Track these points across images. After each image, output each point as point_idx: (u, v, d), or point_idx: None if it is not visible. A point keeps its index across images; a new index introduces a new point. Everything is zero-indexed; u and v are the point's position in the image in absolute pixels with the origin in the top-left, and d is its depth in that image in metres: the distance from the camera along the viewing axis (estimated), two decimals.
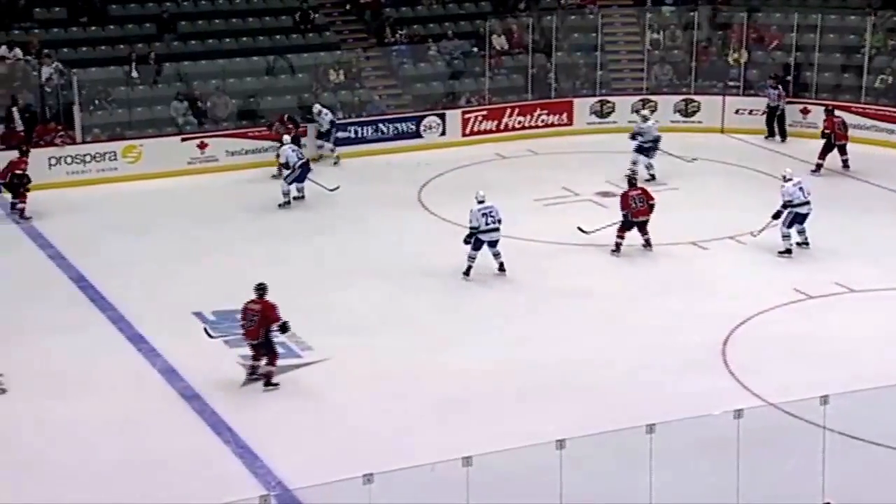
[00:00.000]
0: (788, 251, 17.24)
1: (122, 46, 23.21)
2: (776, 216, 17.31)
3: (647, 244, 17.47)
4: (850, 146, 21.73)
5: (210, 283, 16.57)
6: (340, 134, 23.00)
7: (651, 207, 17.38)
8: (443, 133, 23.73)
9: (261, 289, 13.45)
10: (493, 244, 16.62)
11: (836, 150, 21.37)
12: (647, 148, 20.98)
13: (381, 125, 23.46)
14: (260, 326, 13.30)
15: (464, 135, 23.92)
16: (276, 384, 13.45)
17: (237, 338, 14.85)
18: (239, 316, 13.65)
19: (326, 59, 24.13)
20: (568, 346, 14.50)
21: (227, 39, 24.14)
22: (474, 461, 9.33)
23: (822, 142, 21.53)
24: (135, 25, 23.86)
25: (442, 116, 23.80)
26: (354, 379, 13.68)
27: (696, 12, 25.18)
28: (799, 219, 17.27)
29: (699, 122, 24.32)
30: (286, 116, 22.08)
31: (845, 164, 21.33)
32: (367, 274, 16.88)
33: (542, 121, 24.28)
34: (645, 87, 25.05)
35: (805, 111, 23.68)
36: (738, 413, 9.90)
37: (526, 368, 13.90)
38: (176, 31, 23.93)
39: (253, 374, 13.60)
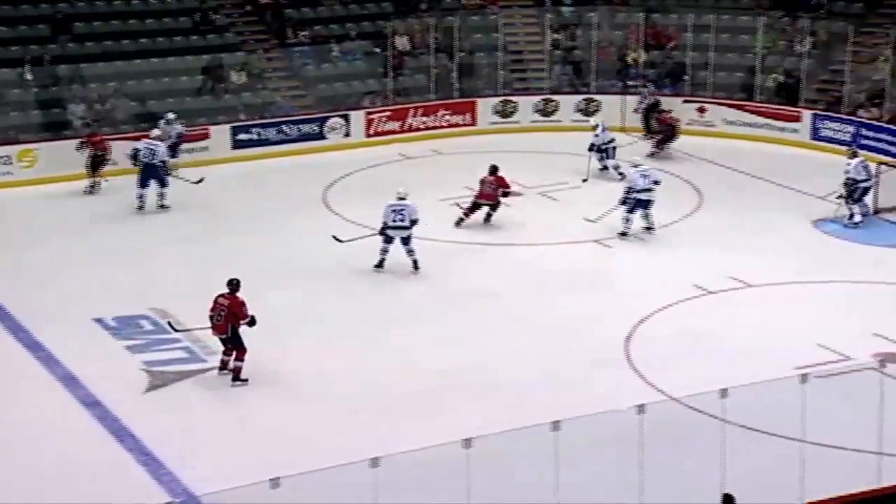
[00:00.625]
0: (625, 234, 18.09)
1: (14, 48, 22.62)
2: (622, 202, 18.10)
3: (463, 218, 18.59)
4: (742, 144, 22.73)
5: (111, 288, 16.26)
6: (243, 136, 22.75)
7: (500, 195, 18.64)
8: (347, 134, 23.64)
9: (233, 284, 13.32)
10: (405, 241, 16.64)
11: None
12: (605, 150, 21.17)
13: (284, 127, 23.27)
14: (227, 321, 13.19)
15: (368, 135, 23.86)
16: (245, 380, 13.34)
17: (141, 343, 14.61)
18: (209, 308, 13.44)
19: (228, 60, 23.85)
20: (477, 346, 14.56)
21: (125, 41, 23.69)
22: (383, 462, 9.29)
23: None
24: (27, 27, 23.26)
25: (346, 117, 23.71)
26: (264, 381, 13.52)
27: (595, 13, 25.50)
28: (642, 204, 18.03)
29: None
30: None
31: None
32: (275, 276, 16.73)
33: (446, 121, 24.35)
34: (547, 87, 25.28)
35: (702, 110, 24.15)
36: (642, 408, 10.03)
37: (437, 368, 13.91)
38: (71, 33, 23.39)
39: (224, 368, 13.47)
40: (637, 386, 13.37)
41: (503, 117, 24.81)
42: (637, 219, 18.21)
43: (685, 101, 24.21)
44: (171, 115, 21.33)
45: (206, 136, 22.28)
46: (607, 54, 25.45)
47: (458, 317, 15.49)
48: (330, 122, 23.62)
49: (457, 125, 24.41)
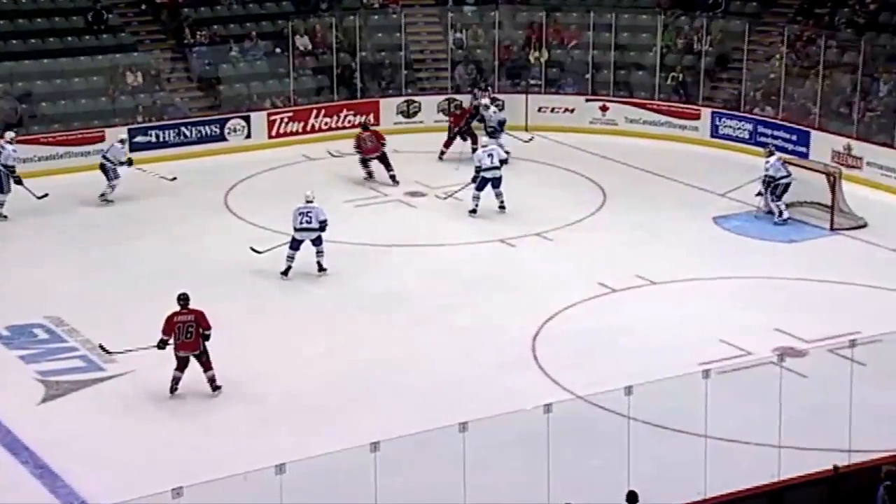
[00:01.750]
0: (474, 211, 19.10)
1: None
2: (473, 181, 19.16)
3: (393, 179, 20.43)
4: (644, 142, 23.05)
5: (1, 296, 15.86)
6: (141, 138, 22.37)
7: (382, 146, 20.68)
8: (248, 136, 23.40)
9: (185, 298, 13.04)
10: (315, 242, 16.61)
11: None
12: (492, 131, 21.55)
13: (183, 129, 22.94)
14: (198, 336, 12.91)
15: (269, 137, 23.66)
16: (220, 386, 13.14)
17: (35, 353, 14.28)
18: (164, 328, 13.02)
19: (123, 60, 23.41)
20: (385, 348, 14.56)
21: (14, 41, 23.08)
22: (288, 468, 9.23)
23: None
24: None
25: (247, 119, 23.48)
26: (165, 390, 13.32)
27: (496, 12, 25.67)
28: (491, 183, 19.02)
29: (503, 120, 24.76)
30: None
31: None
32: (176, 282, 16.45)
33: (349, 121, 24.26)
34: (450, 87, 25.37)
35: (604, 108, 24.47)
36: (548, 407, 10.13)
37: (346, 371, 13.88)
38: None
39: (176, 388, 13.05)
40: (544, 385, 13.50)
41: (406, 117, 24.82)
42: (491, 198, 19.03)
43: (588, 100, 24.51)
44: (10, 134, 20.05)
45: (101, 139, 21.84)
46: (509, 53, 25.64)
47: (366, 319, 15.46)
48: (230, 123, 23.37)
49: (357, 126, 24.29)
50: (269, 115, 23.67)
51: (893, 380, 12.54)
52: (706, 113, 23.67)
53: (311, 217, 16.60)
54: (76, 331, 14.65)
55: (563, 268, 17.28)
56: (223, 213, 19.73)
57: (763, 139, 22.47)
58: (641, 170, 22.03)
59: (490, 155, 19.08)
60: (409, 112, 24.87)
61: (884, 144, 20.89)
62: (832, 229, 18.60)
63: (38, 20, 23.68)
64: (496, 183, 19.03)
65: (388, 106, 24.66)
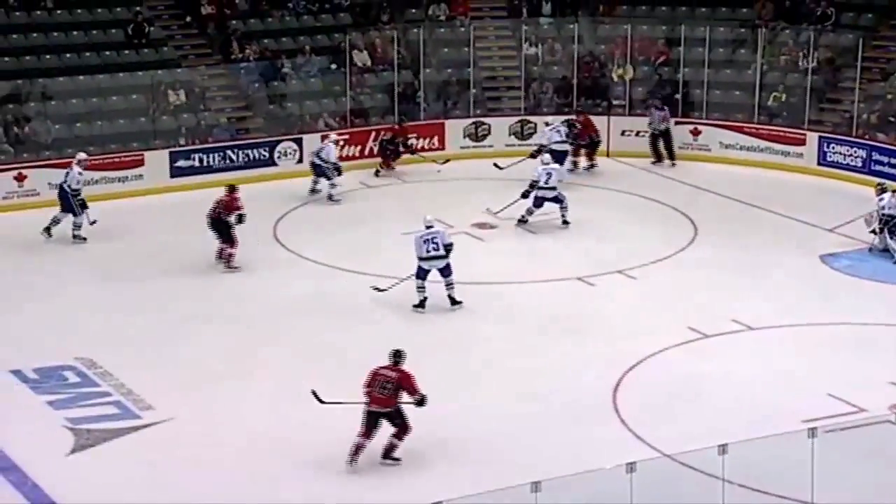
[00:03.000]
0: (525, 220, 20.31)
1: None
2: (524, 195, 20.21)
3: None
4: (741, 170, 23.27)
5: (30, 335, 16.13)
6: (183, 162, 22.71)
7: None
8: (300, 160, 23.64)
9: (397, 356, 12.95)
10: (443, 273, 16.94)
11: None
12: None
13: (229, 152, 23.25)
14: (394, 396, 12.80)
15: None
16: (398, 459, 12.90)
17: (65, 398, 14.48)
18: (366, 381, 12.90)
19: (165, 77, 23.84)
20: (453, 395, 14.48)
21: (48, 56, 23.64)
22: None
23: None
24: None
25: (299, 141, 23.72)
26: (206, 439, 13.41)
27: (576, 24, 25.71)
28: (542, 201, 20.17)
29: (582, 143, 24.72)
30: None
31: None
32: (219, 320, 16.66)
33: (411, 145, 24.36)
34: (523, 107, 25.44)
35: (696, 132, 24.35)
36: (631, 466, 10.04)
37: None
38: None
39: (357, 455, 12.76)
40: (626, 440, 13.38)
41: (475, 141, 24.91)
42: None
43: (678, 123, 24.41)
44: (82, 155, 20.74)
45: (140, 163, 22.21)
46: (590, 70, 25.65)
47: (436, 364, 15.36)
48: (281, 146, 23.63)
49: (423, 150, 24.46)
50: (322, 137, 23.88)
51: None
52: (813, 138, 23.46)
53: (437, 243, 16.87)
54: (110, 374, 14.83)
55: (649, 309, 17.16)
56: (272, 244, 19.90)
57: (878, 168, 22.22)
58: (738, 201, 21.86)
59: (549, 173, 20.14)
60: (477, 135, 24.97)
61: None
62: None
63: (75, 33, 24.25)
64: (550, 201, 20.15)
65: (455, 128, 24.79)
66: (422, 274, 16.92)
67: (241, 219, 18.48)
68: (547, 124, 23.05)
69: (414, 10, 26.60)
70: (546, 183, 20.05)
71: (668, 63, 25.31)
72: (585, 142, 23.56)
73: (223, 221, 18.48)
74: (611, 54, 25.69)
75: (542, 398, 14.52)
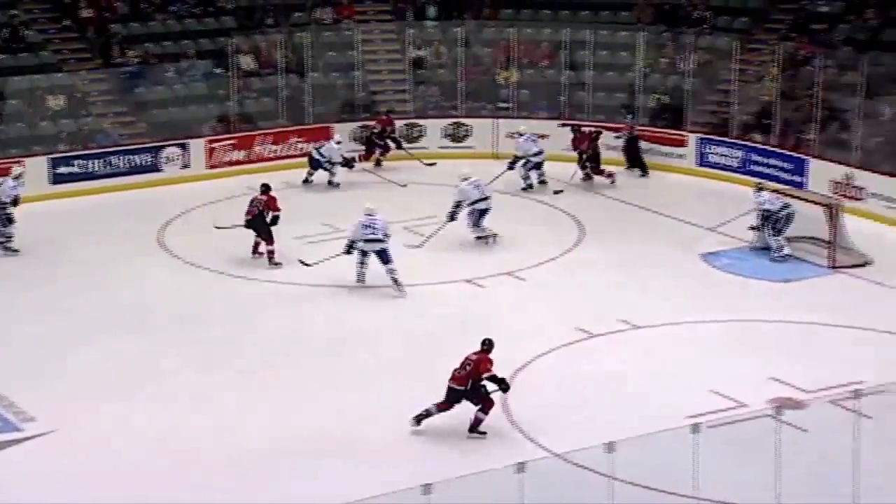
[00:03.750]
0: (488, 237, 19.73)
1: None
2: (451, 218, 19.58)
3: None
4: (624, 170, 23.54)
5: None
6: (64, 169, 22.30)
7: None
8: (185, 165, 23.39)
9: (486, 343, 13.84)
10: (382, 258, 17.74)
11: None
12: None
13: (112, 158, 22.89)
14: (469, 376, 13.65)
15: (210, 166, 23.66)
16: (484, 433, 13.57)
17: None
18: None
19: (43, 82, 23.35)
20: (337, 402, 14.51)
21: None
22: None
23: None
24: None
25: (184, 146, 23.47)
26: (93, 453, 13.20)
27: (461, 28, 25.88)
28: (481, 215, 19.62)
29: (470, 147, 24.97)
30: None
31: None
32: (105, 329, 16.40)
33: (299, 149, 24.31)
34: (411, 110, 25.52)
35: (519, 134, 24.62)
36: (521, 466, 10.14)
37: (295, 429, 13.80)
38: None
39: (423, 418, 13.71)
40: (516, 442, 13.50)
41: (362, 144, 24.88)
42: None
43: (562, 125, 24.71)
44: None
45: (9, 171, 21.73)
46: (476, 73, 25.84)
47: (312, 369, 15.41)
48: (166, 151, 23.36)
49: (311, 154, 24.34)
50: (208, 142, 23.67)
51: None
52: (692, 139, 23.94)
53: (375, 228, 17.68)
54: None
55: (537, 311, 17.35)
56: (158, 251, 19.67)
57: (755, 168, 22.77)
58: (622, 202, 22.22)
59: (477, 186, 19.63)
60: (364, 139, 24.94)
61: (888, 174, 21.19)
62: (832, 267, 18.81)
63: None
64: (485, 213, 19.68)
65: (343, 132, 24.73)
66: (361, 256, 17.82)
67: (275, 220, 18.90)
68: (520, 134, 22.89)
69: (299, 14, 26.52)
70: (479, 195, 19.58)
71: (553, 66, 25.62)
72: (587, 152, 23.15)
73: (264, 219, 18.88)
74: (496, 57, 25.91)
75: (431, 400, 14.57)
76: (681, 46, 24.88)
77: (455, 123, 25.13)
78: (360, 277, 17.99)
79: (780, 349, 15.87)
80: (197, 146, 23.56)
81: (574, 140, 23.33)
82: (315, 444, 13.44)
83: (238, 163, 23.82)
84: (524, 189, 22.58)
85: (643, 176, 23.66)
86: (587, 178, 23.07)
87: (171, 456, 13.19)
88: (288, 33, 25.49)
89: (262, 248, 19.05)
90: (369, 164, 24.01)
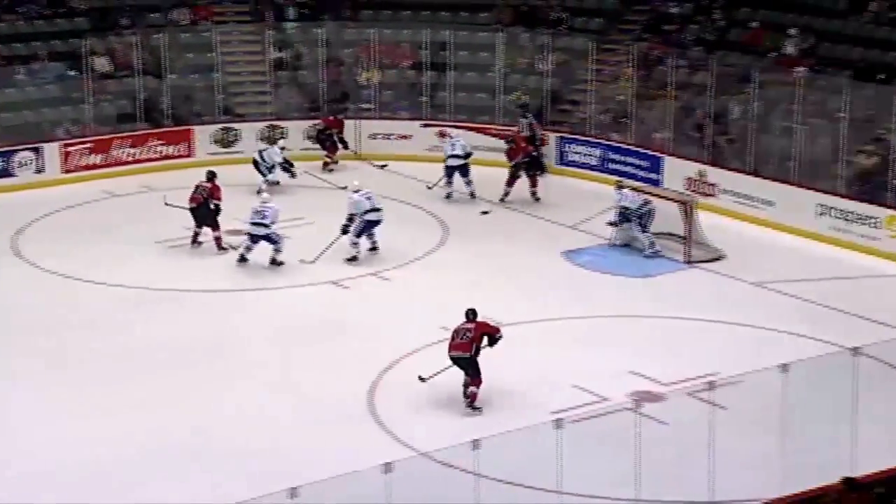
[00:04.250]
0: (355, 258, 19.11)
1: None
2: (344, 230, 19.13)
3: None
4: (487, 170, 23.31)
5: None
6: None
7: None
8: (39, 170, 22.84)
9: (472, 313, 14.76)
10: (269, 240, 18.50)
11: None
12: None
13: None
14: (473, 342, 14.42)
15: (65, 171, 23.15)
16: (479, 408, 14.16)
17: None
18: (450, 338, 14.51)
19: None
20: (203, 406, 14.36)
21: None
22: None
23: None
24: None
25: (37, 150, 22.91)
26: None
27: (321, 29, 25.81)
28: (370, 226, 19.24)
29: None
30: None
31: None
32: None
33: (158, 152, 23.97)
34: (272, 112, 25.36)
35: (442, 134, 24.79)
36: (388, 467, 10.19)
37: (161, 434, 13.63)
38: None
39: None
40: (383, 442, 13.57)
41: (224, 147, 24.66)
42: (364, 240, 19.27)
43: (424, 125, 24.85)
44: None
45: None
46: (337, 74, 25.81)
47: (180, 374, 15.23)
48: (18, 156, 22.78)
49: (170, 156, 24.06)
50: (63, 146, 23.15)
51: (755, 424, 13.06)
52: (552, 138, 24.30)
53: (265, 216, 18.40)
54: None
55: (402, 311, 17.43)
56: (12, 259, 19.18)
57: (613, 166, 23.23)
58: (485, 201, 22.43)
59: (369, 198, 19.20)
60: (225, 141, 24.72)
61: (738, 170, 21.84)
62: (688, 262, 19.31)
63: None
64: (374, 225, 19.27)
65: (203, 134, 24.47)
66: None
67: (217, 209, 19.30)
68: (448, 136, 22.71)
69: (155, 15, 26.11)
70: (372, 206, 19.21)
71: (414, 66, 25.73)
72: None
73: (209, 207, 19.14)
74: (357, 58, 25.91)
75: (299, 403, 14.55)
76: (539, 47, 25.22)
77: (316, 124, 25.02)
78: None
79: (639, 343, 16.24)
80: (51, 150, 23.05)
81: (509, 151, 22.33)
82: (181, 448, 13.29)
83: (95, 167, 23.37)
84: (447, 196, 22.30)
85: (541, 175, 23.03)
86: (508, 191, 22.17)
87: (32, 466, 12.90)
88: (144, 34, 25.08)
89: (203, 237, 19.35)
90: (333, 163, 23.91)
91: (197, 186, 19.43)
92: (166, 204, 19.72)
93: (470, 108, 25.34)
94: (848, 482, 10.49)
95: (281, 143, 23.32)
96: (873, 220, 19.72)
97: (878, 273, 18.97)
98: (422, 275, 18.89)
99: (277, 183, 22.56)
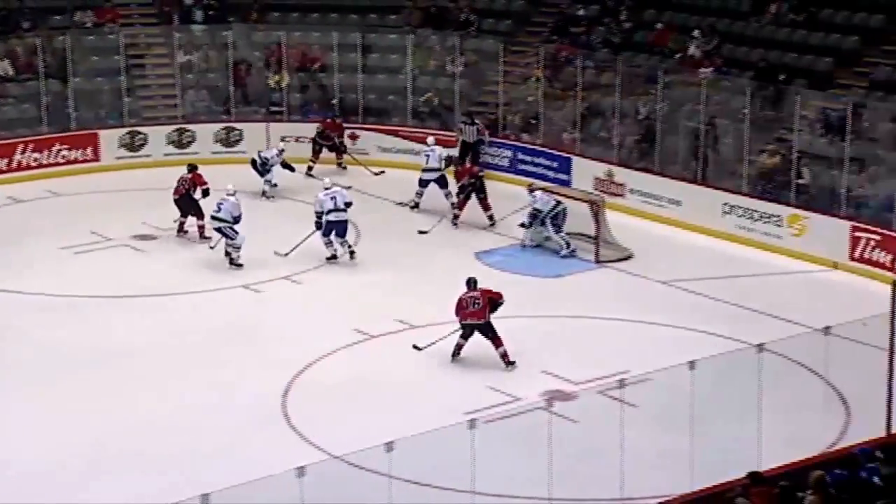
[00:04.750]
0: (334, 256, 19.20)
1: None
2: (317, 226, 19.17)
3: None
4: (399, 172, 23.63)
5: None
6: None
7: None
8: None
9: (473, 281, 15.82)
10: (336, 225, 18.88)
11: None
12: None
13: None
14: (486, 308, 15.58)
15: None
16: (514, 362, 15.49)
17: None
18: (456, 308, 15.64)
19: None
20: (114, 413, 14.20)
21: None
22: None
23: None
24: None
25: None
26: None
27: (230, 31, 25.63)
28: (333, 226, 19.07)
29: (243, 151, 24.74)
30: None
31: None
32: None
33: (63, 157, 23.61)
34: (180, 115, 25.13)
35: (354, 136, 24.81)
36: (301, 470, 10.18)
37: (70, 443, 13.44)
38: None
39: (458, 353, 15.73)
40: (296, 446, 13.54)
41: (131, 151, 24.37)
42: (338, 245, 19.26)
43: (344, 125, 24.79)
44: None
45: None
46: (246, 77, 25.64)
47: (89, 382, 15.03)
48: None
49: (76, 161, 23.71)
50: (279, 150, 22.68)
51: (664, 421, 13.27)
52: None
53: (221, 208, 18.71)
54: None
55: (315, 313, 17.40)
56: None
57: (524, 167, 23.40)
58: (396, 203, 22.45)
59: (334, 198, 19.08)
60: (133, 145, 24.44)
61: (646, 170, 22.15)
62: (598, 262, 19.54)
63: None
64: (341, 228, 19.08)
65: (109, 139, 24.15)
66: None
67: (206, 193, 19.85)
68: (428, 145, 22.10)
69: (58, 17, 25.69)
70: (333, 206, 19.05)
71: (324, 69, 25.67)
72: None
73: (191, 197, 19.81)
74: (267, 61, 25.77)
75: (211, 408, 14.46)
76: (449, 49, 25.32)
77: (227, 128, 24.88)
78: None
79: (551, 343, 16.41)
80: None
81: (457, 173, 21.55)
82: (87, 456, 13.15)
83: None
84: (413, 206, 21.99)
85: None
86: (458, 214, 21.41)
87: None
88: (47, 37, 24.65)
89: (188, 225, 19.92)
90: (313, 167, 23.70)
91: (179, 179, 20.03)
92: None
93: (381, 109, 25.34)
94: (753, 476, 10.71)
95: (280, 144, 22.95)
96: (776, 219, 20.13)
97: (781, 270, 19.37)
98: (334, 277, 18.86)
99: (275, 185, 22.41)
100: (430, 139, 22.50)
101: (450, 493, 11.99)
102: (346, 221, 19.20)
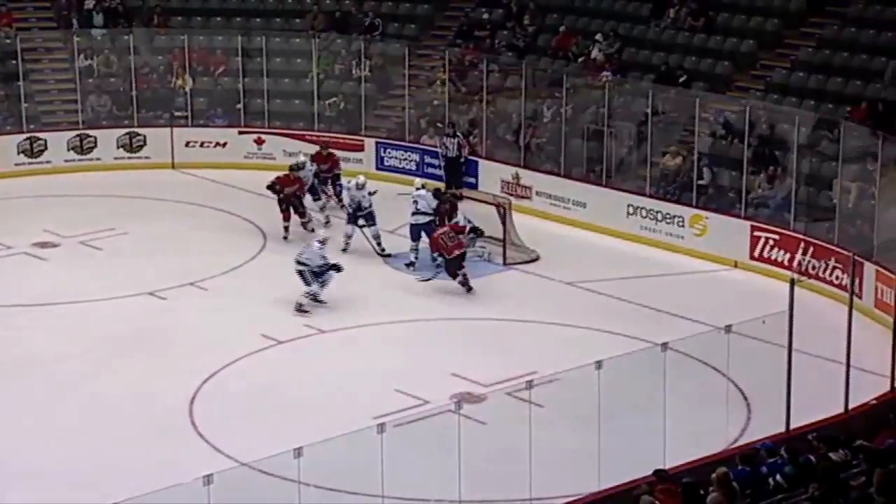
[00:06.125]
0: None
1: None
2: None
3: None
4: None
5: None
6: None
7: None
8: None
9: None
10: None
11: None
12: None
13: None
14: (458, 236, 17.90)
15: None
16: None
17: None
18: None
19: None
20: (14, 424, 13.93)
21: None
22: None
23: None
24: None
25: None
26: None
27: (130, 35, 25.29)
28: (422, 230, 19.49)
29: (147, 157, 24.46)
30: None
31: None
32: None
33: None
34: (81, 121, 24.73)
35: (259, 141, 24.64)
36: (209, 479, 10.09)
37: None
38: None
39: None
40: (204, 454, 13.42)
41: (30, 157, 23.93)
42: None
43: (241, 133, 24.62)
44: None
45: None
46: (148, 82, 25.33)
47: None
48: None
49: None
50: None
51: (572, 421, 13.40)
52: (370, 143, 24.38)
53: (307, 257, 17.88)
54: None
55: (222, 320, 17.26)
56: None
57: (431, 170, 23.46)
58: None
59: (415, 201, 19.53)
60: (32, 151, 24.00)
61: (551, 172, 22.34)
62: (505, 264, 19.65)
63: None
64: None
65: (7, 144, 23.66)
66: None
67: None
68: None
69: None
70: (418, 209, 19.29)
71: (228, 73, 25.46)
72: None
73: (297, 197, 20.42)
74: (169, 65, 25.48)
75: (118, 417, 14.28)
76: (354, 53, 25.28)
77: (129, 133, 24.55)
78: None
79: (459, 346, 16.49)
80: None
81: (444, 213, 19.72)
82: None
83: None
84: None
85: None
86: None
87: None
88: None
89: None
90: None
91: (286, 182, 20.36)
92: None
93: (286, 114, 25.20)
94: (658, 474, 10.86)
95: (301, 157, 21.55)
96: (679, 219, 20.45)
97: (683, 270, 19.68)
98: (240, 284, 18.71)
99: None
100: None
101: (360, 497, 11.96)
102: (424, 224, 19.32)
